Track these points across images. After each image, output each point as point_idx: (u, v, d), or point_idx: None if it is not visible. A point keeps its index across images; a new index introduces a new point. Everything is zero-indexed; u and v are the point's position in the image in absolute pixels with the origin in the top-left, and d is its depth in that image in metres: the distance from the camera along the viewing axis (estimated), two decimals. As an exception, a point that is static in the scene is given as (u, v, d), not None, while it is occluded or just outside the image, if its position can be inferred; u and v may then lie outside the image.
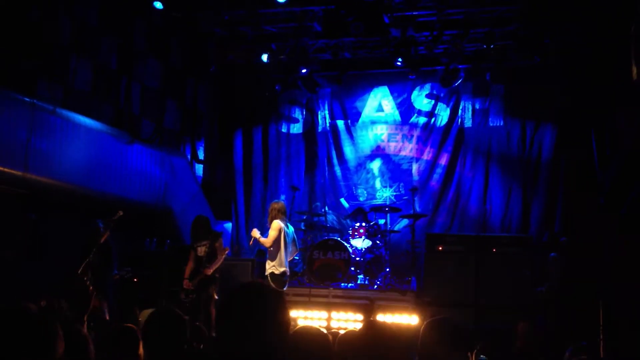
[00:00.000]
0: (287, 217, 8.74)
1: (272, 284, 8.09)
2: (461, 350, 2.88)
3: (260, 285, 2.24)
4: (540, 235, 10.85)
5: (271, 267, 8.33)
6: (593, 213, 10.26)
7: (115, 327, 3.44)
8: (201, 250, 8.46)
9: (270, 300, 2.16)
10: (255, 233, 8.42)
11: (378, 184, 12.48)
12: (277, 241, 8.32)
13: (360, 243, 10.21)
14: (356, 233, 10.29)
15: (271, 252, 8.36)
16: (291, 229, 8.67)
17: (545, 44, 10.73)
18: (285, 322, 2.17)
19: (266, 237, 8.40)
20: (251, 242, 8.69)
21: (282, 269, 8.31)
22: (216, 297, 8.29)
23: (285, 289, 8.45)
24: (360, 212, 10.99)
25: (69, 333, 1.83)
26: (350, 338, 3.56)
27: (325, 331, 3.75)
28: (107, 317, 4.86)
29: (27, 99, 8.06)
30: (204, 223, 8.68)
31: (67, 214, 9.02)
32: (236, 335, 2.07)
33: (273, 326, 2.11)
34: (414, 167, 12.32)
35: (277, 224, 8.35)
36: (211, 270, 8.28)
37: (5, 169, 7.76)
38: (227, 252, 8.72)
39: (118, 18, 10.33)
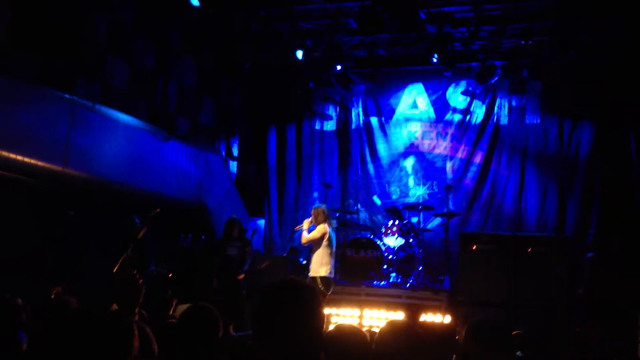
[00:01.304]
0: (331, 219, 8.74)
1: (320, 286, 8.11)
2: (504, 352, 2.84)
3: (295, 282, 2.22)
4: (577, 235, 10.65)
5: (320, 269, 8.28)
6: (631, 212, 10.08)
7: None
8: (232, 250, 8.65)
9: (305, 296, 2.15)
10: (306, 224, 8.47)
11: (411, 181, 12.41)
12: (326, 244, 8.32)
13: (393, 241, 10.16)
14: (389, 231, 10.26)
15: (319, 254, 8.34)
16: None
17: (583, 39, 10.55)
18: (320, 319, 2.16)
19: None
20: (297, 228, 8.82)
21: (329, 272, 8.34)
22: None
23: (330, 291, 8.43)
24: (394, 210, 10.94)
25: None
26: (390, 336, 3.54)
27: (362, 329, 3.74)
28: (145, 313, 4.91)
29: (67, 96, 8.20)
30: (238, 225, 8.86)
31: (104, 210, 9.16)
32: (273, 332, 2.08)
33: (308, 322, 2.11)
34: (448, 165, 12.21)
35: (323, 227, 8.35)
36: (242, 275, 8.54)
37: (46, 164, 7.90)
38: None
39: (153, 17, 10.46)
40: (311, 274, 8.35)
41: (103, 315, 1.85)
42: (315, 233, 8.34)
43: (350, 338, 3.26)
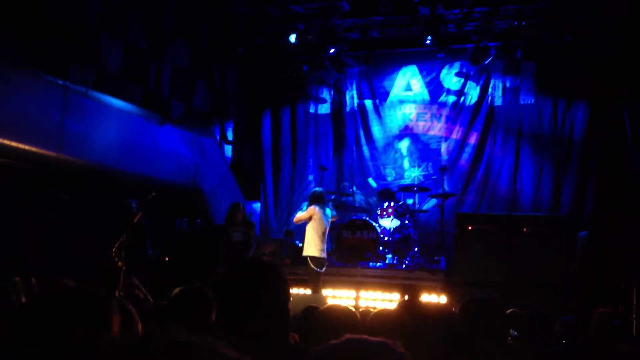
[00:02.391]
0: (324, 202, 8.91)
1: (311, 265, 8.52)
2: (497, 329, 2.88)
3: (258, 262, 2.23)
4: (572, 215, 10.69)
5: (310, 249, 8.62)
6: (626, 193, 10.12)
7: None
8: (236, 236, 8.72)
9: (267, 276, 2.15)
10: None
11: (406, 163, 12.43)
12: (315, 225, 8.60)
13: (389, 223, 10.20)
14: (384, 213, 10.29)
15: (308, 235, 8.65)
16: (328, 212, 8.91)
17: (576, 20, 10.53)
18: (283, 299, 2.15)
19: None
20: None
21: (321, 252, 8.63)
22: None
23: (323, 270, 8.73)
24: (389, 192, 10.97)
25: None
26: (386, 315, 3.58)
27: (353, 309, 3.77)
28: (142, 296, 4.92)
29: (60, 81, 8.16)
30: (242, 210, 8.95)
31: (100, 195, 9.16)
32: (235, 313, 2.08)
33: (270, 302, 2.11)
34: (443, 146, 12.23)
35: (311, 209, 8.66)
36: None
37: (40, 150, 7.89)
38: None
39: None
40: (303, 253, 8.68)
41: (82, 292, 1.87)
42: (304, 214, 8.68)
43: (340, 317, 3.29)
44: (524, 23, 10.45)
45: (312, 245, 8.56)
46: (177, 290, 3.56)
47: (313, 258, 8.53)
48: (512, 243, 9.11)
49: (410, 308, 2.92)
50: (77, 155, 8.50)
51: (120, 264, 4.43)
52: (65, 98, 8.21)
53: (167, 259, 9.19)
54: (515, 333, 4.20)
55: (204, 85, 12.22)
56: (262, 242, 10.45)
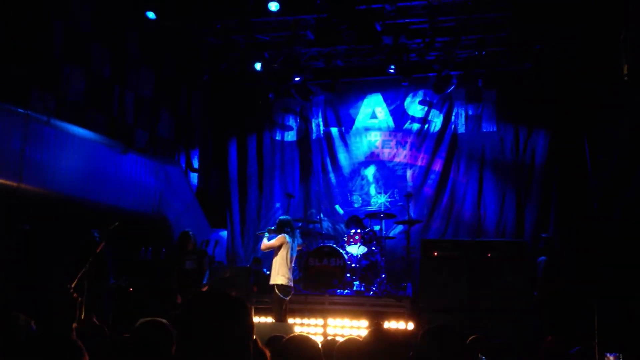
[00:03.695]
0: (293, 230, 8.86)
1: (278, 293, 8.41)
2: (459, 356, 2.90)
3: (219, 294, 2.23)
4: (535, 240, 10.86)
5: (277, 277, 8.51)
6: (586, 217, 10.32)
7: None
8: (189, 264, 8.68)
9: (229, 309, 2.14)
10: (268, 232, 8.74)
11: (373, 190, 12.52)
12: (283, 253, 8.54)
13: (356, 250, 10.22)
14: (351, 240, 10.31)
15: (277, 263, 8.55)
16: (297, 240, 8.87)
17: (537, 49, 10.82)
18: (246, 330, 2.14)
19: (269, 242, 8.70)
20: (259, 233, 9.02)
21: (288, 280, 8.55)
22: None
23: (288, 298, 8.62)
24: (356, 219, 11.01)
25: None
26: (353, 345, 3.57)
27: (315, 339, 3.76)
28: (97, 323, 4.84)
29: (21, 110, 8.06)
30: (192, 238, 8.87)
31: (62, 225, 9.01)
32: (196, 347, 2.06)
33: (233, 335, 2.09)
34: (408, 173, 12.36)
35: (282, 237, 8.57)
36: (206, 288, 8.52)
37: (0, 180, 7.74)
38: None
39: (110, 28, 10.36)
40: (271, 281, 8.57)
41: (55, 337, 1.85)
42: (275, 241, 8.57)
43: (302, 347, 3.28)
44: (484, 52, 10.69)
45: (280, 274, 8.48)
46: (138, 323, 3.50)
47: (280, 286, 8.45)
48: (476, 268, 9.22)
49: (377, 336, 2.93)
50: (39, 185, 8.37)
51: (76, 296, 4.35)
52: (26, 127, 8.10)
53: (130, 289, 9.05)
54: (483, 358, 4.25)
55: (169, 112, 12.17)
56: (221, 269, 10.33)
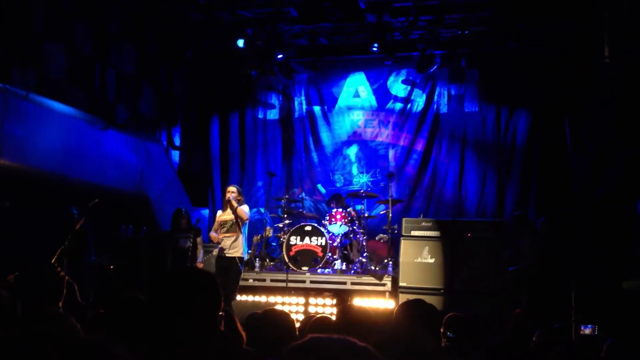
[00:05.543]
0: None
1: (240, 265, 8.45)
2: (432, 328, 2.94)
3: (188, 271, 2.30)
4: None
5: (242, 250, 8.53)
6: (566, 197, 10.43)
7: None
8: (183, 242, 8.63)
9: (197, 282, 2.23)
10: (235, 203, 8.50)
11: (355, 169, 12.54)
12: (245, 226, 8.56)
13: (337, 229, 10.25)
14: (333, 219, 10.34)
15: (240, 236, 8.52)
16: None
17: (520, 29, 10.82)
18: (214, 302, 2.23)
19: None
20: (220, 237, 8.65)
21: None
22: None
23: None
24: (338, 198, 11.04)
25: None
26: (324, 322, 3.60)
27: (289, 312, 3.80)
28: (79, 300, 4.85)
29: (-1, 84, 7.94)
30: (185, 216, 8.84)
31: (41, 201, 8.93)
32: (166, 318, 2.13)
33: (201, 306, 2.17)
34: (391, 153, 12.39)
35: (247, 207, 8.63)
36: (202, 265, 8.55)
37: (-22, 156, 7.66)
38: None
39: (92, 4, 10.21)
40: (236, 253, 8.47)
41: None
42: (247, 211, 8.61)
43: (276, 321, 3.31)
44: (467, 32, 10.69)
45: (244, 247, 8.53)
46: (113, 298, 3.52)
47: (242, 259, 8.53)
48: (456, 248, 9.29)
49: (345, 315, 2.96)
50: (18, 160, 8.28)
51: (62, 273, 4.33)
52: (5, 101, 7.98)
53: (111, 267, 9.02)
54: (451, 334, 4.31)
55: (150, 89, 12.06)
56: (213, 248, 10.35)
